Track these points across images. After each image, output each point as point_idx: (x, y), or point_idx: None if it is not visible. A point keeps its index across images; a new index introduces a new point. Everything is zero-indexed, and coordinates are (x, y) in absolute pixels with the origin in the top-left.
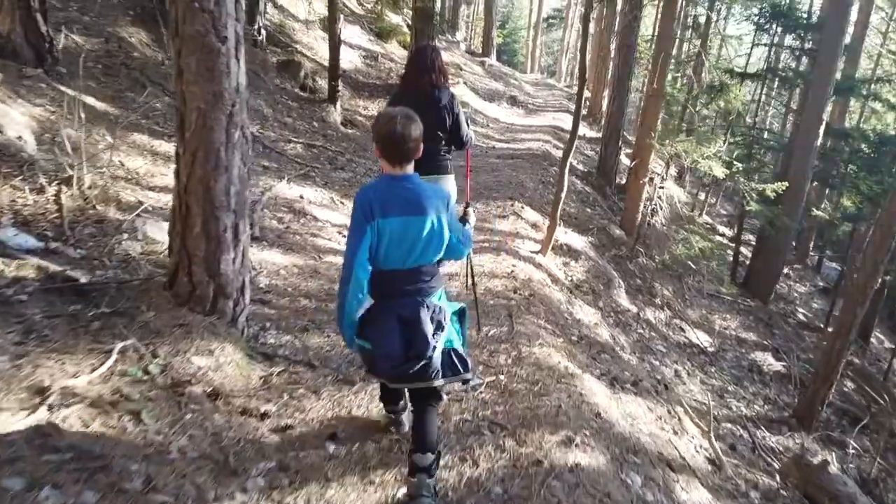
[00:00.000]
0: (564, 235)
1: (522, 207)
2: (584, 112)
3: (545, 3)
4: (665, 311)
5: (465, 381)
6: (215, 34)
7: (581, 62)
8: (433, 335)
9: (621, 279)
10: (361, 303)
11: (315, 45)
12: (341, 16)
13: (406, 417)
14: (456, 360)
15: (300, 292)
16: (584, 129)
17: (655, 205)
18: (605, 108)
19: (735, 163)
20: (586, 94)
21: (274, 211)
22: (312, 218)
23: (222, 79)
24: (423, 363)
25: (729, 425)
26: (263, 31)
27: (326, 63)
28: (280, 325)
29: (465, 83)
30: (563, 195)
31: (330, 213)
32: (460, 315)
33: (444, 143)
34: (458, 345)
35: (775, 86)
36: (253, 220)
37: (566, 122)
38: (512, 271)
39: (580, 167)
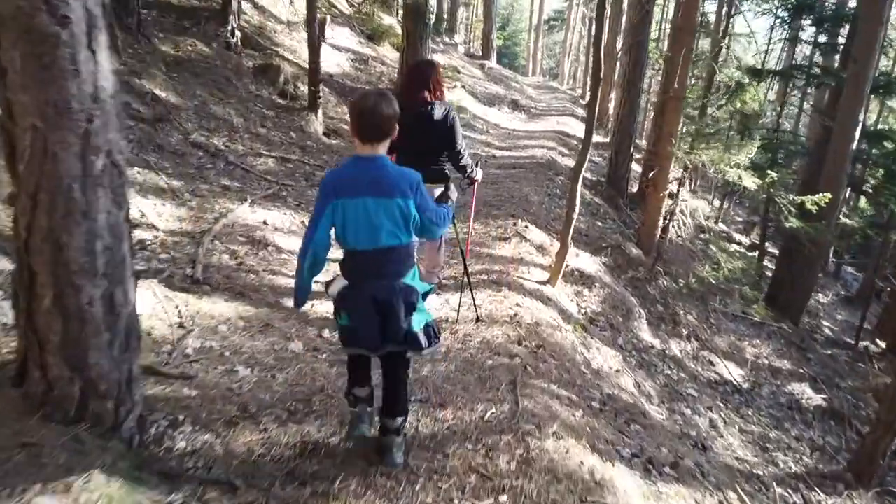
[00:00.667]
0: (576, 258)
1: (527, 227)
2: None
3: (546, 5)
4: (691, 342)
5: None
6: (48, 12)
7: (595, 58)
8: (405, 317)
9: (641, 307)
10: (314, 275)
11: (298, 48)
12: (328, 17)
13: (368, 417)
14: (432, 333)
15: (241, 358)
16: (582, 131)
17: (677, 220)
18: (612, 111)
19: (769, 172)
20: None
21: (227, 242)
22: (275, 249)
23: (66, 81)
24: (402, 338)
25: (780, 490)
26: (238, 33)
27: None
28: (200, 416)
29: (463, 87)
30: (576, 215)
31: (297, 242)
32: (425, 294)
33: (441, 153)
34: (417, 327)
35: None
36: (196, 257)
37: (571, 126)
38: (516, 314)
39: (588, 175)
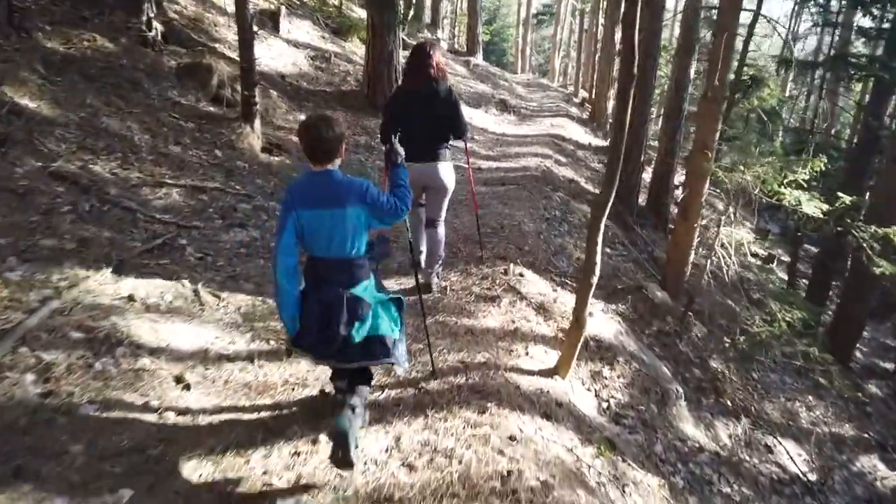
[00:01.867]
0: (588, 317)
1: (521, 275)
2: (584, 115)
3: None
4: (741, 420)
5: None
6: None
7: (628, 45)
8: (346, 324)
9: (675, 375)
10: (292, 282)
11: None
12: (283, 7)
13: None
14: (378, 347)
15: None
16: (588, 137)
17: (718, 256)
18: (611, 110)
19: (842, 196)
20: (583, 94)
21: (46, 346)
22: (132, 351)
23: None
24: (337, 346)
25: None
26: (157, 26)
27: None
28: None
29: None
30: (596, 279)
31: (180, 331)
32: (398, 304)
33: (444, 133)
34: (385, 332)
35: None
36: None
37: (567, 129)
38: (509, 473)
39: (589, 187)
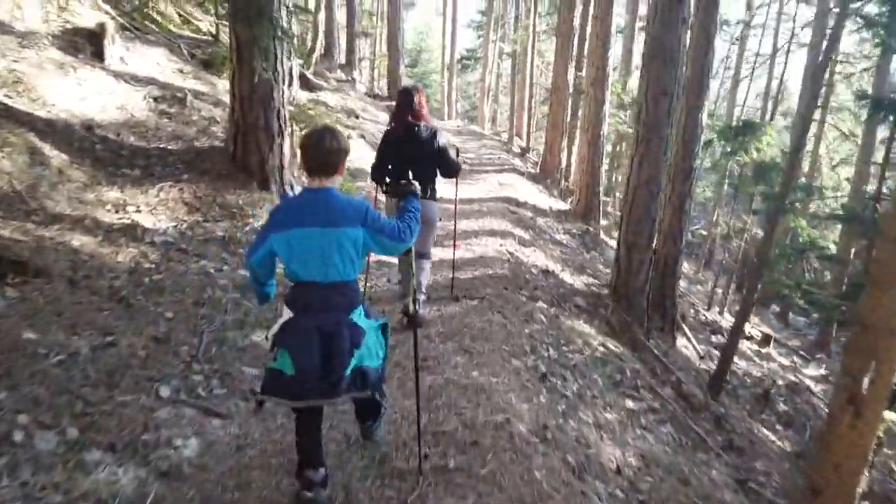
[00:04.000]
0: None
1: None
2: (530, 166)
3: (458, 43)
4: None
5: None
6: None
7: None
8: (348, 353)
9: None
10: (263, 278)
11: (31, 75)
12: (108, 24)
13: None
14: (360, 379)
15: None
16: (544, 198)
17: None
18: (566, 162)
19: None
20: (518, 142)
21: None
22: None
23: None
24: (332, 381)
25: None
26: None
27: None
28: None
29: (362, 136)
30: None
31: None
32: (382, 329)
33: (431, 172)
34: (367, 362)
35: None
36: None
37: (518, 188)
38: None
39: (570, 279)
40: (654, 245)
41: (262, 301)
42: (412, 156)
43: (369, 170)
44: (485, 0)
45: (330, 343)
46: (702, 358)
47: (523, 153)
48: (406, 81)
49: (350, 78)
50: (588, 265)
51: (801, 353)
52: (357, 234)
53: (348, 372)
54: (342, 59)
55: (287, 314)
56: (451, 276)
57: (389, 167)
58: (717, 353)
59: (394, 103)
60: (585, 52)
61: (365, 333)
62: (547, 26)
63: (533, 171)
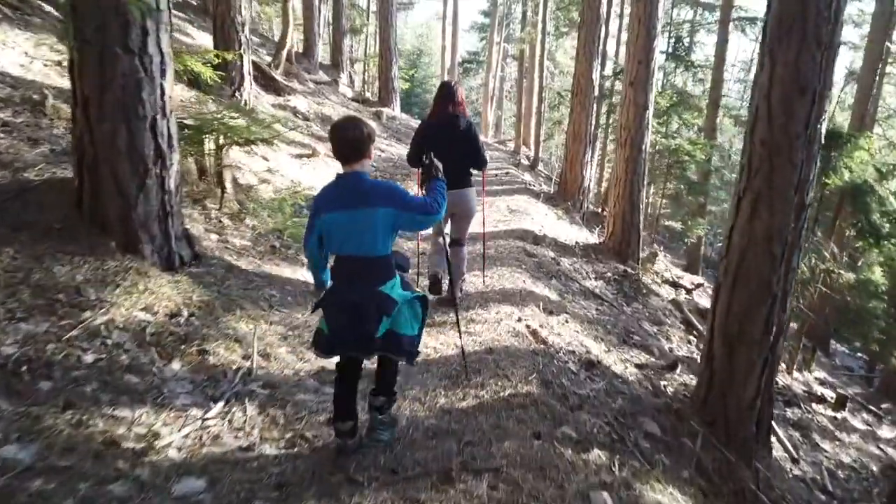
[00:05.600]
0: None
1: None
2: (542, 183)
3: (459, 46)
4: None
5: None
6: None
7: None
8: (375, 320)
9: None
10: (319, 266)
11: None
12: None
13: (351, 449)
14: (393, 342)
15: None
16: (566, 228)
17: None
18: (591, 182)
19: None
20: (525, 151)
21: None
22: None
23: None
24: (363, 340)
25: None
26: None
27: None
28: None
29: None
30: None
31: None
32: (422, 301)
33: (466, 162)
34: (403, 330)
35: None
36: None
37: (534, 215)
38: None
39: (619, 367)
40: (772, 337)
41: (319, 287)
42: (452, 144)
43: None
44: (487, 0)
45: (358, 310)
46: (795, 462)
47: (533, 166)
48: (400, 84)
49: (333, 80)
50: (635, 330)
51: (869, 406)
52: (386, 213)
53: (380, 334)
54: (329, 59)
55: (330, 283)
56: (438, 403)
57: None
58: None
59: (384, 109)
60: (623, 42)
61: (397, 303)
62: (558, 22)
63: (547, 188)
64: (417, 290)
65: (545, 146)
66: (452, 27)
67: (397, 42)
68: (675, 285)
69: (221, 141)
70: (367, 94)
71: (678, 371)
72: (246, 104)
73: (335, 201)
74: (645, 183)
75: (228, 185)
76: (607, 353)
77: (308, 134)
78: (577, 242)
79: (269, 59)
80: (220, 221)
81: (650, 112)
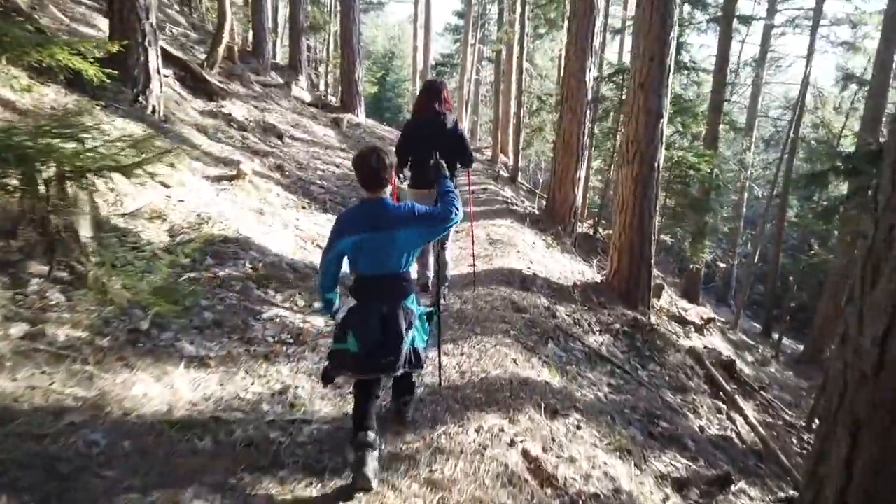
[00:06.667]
0: None
1: None
2: (523, 200)
3: (432, 48)
4: None
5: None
6: None
7: None
8: (405, 332)
9: None
10: (330, 286)
11: None
12: None
13: (371, 462)
14: (413, 357)
15: None
16: (560, 261)
17: None
18: (579, 204)
19: None
20: (503, 158)
21: None
22: None
23: None
24: (392, 357)
25: None
26: None
27: None
28: None
29: (280, 168)
30: None
31: None
32: (429, 316)
33: (451, 161)
34: (419, 343)
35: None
36: None
37: (519, 244)
38: None
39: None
40: None
41: (326, 307)
42: (437, 142)
43: (288, 259)
44: (461, 1)
45: (388, 324)
46: None
47: (513, 178)
48: (367, 88)
49: (286, 83)
50: (659, 410)
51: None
52: (411, 232)
53: (405, 350)
54: (272, 55)
55: (351, 302)
56: None
57: (411, 156)
58: None
59: (346, 115)
60: (634, 33)
61: (416, 316)
62: (538, 21)
63: (531, 205)
64: (428, 306)
65: (524, 154)
66: (425, 28)
67: (366, 43)
68: (683, 321)
69: (50, 172)
70: (332, 99)
71: (733, 489)
72: (154, 111)
73: (360, 224)
74: (658, 208)
75: (75, 233)
76: (639, 478)
77: (242, 146)
78: (574, 283)
79: (202, 56)
80: (45, 297)
81: (664, 121)
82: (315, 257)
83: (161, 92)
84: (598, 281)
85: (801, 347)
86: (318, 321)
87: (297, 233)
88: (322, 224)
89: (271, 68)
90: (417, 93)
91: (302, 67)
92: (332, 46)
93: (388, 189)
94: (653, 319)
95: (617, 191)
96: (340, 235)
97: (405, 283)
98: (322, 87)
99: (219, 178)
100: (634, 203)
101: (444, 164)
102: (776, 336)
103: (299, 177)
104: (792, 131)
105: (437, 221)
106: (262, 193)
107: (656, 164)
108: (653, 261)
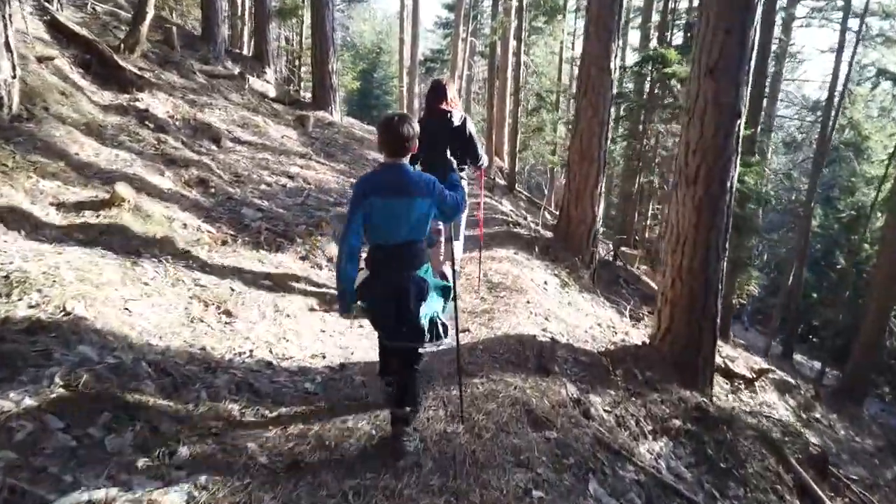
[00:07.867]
0: None
1: None
2: (525, 215)
3: (421, 43)
4: None
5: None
6: None
7: None
8: (417, 303)
9: None
10: (352, 263)
11: None
12: None
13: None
14: (439, 329)
15: None
16: (565, 301)
17: None
18: (597, 213)
19: None
20: (498, 162)
21: None
22: None
23: None
24: (411, 326)
25: None
26: None
27: None
28: None
29: (211, 186)
30: None
31: None
32: (444, 291)
33: (461, 158)
34: (440, 315)
35: None
36: None
37: (529, 288)
38: None
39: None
40: None
41: (344, 282)
42: (445, 141)
43: (157, 352)
44: None
45: (401, 295)
46: None
47: (510, 187)
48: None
49: (240, 73)
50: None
51: None
52: (425, 203)
53: (424, 321)
54: (242, 47)
55: (365, 273)
56: None
57: (420, 156)
58: None
59: (316, 112)
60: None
61: (430, 288)
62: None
63: (534, 221)
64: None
65: (520, 157)
66: (412, 18)
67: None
68: (728, 374)
69: None
70: (307, 95)
71: None
72: (2, 104)
73: (380, 188)
74: (727, 247)
75: None
76: None
77: (153, 154)
78: (608, 349)
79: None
80: None
81: (741, 122)
82: (217, 338)
83: (14, 77)
84: (639, 344)
85: (818, 365)
86: None
87: (195, 293)
88: (247, 271)
89: (230, 58)
90: (406, 91)
91: (269, 58)
92: (306, 37)
93: (409, 156)
94: (724, 402)
95: (669, 221)
96: (364, 197)
97: (420, 253)
98: (298, 83)
99: (78, 207)
100: (696, 238)
101: (454, 161)
102: (798, 357)
103: (229, 195)
104: (821, 133)
105: (447, 207)
106: (149, 227)
107: (729, 185)
108: (718, 318)
